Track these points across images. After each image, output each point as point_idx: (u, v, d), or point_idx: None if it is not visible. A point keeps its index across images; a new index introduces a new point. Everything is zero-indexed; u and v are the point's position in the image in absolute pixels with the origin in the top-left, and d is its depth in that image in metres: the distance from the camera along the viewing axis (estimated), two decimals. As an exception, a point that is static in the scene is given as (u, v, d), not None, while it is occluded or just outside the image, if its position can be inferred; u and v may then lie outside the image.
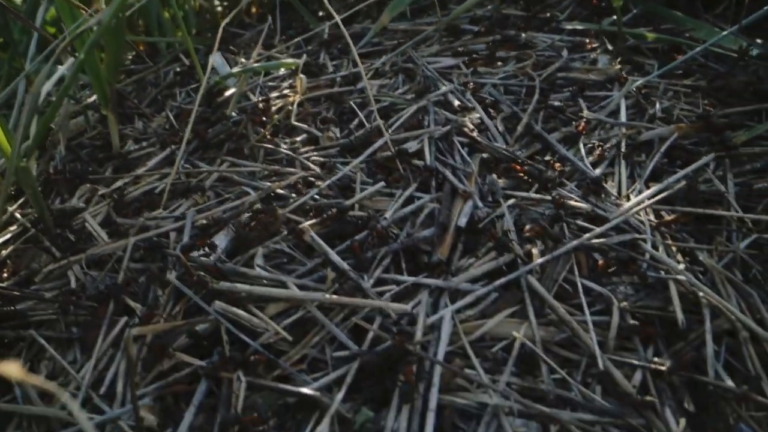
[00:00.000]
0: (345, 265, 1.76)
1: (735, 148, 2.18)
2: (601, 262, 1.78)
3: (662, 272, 1.78)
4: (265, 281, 1.77)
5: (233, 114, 2.57)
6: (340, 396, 1.50)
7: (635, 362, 1.61)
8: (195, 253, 1.87)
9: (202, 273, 1.78)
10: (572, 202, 1.96)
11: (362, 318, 1.67)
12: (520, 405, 1.49)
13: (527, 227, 1.83)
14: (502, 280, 1.73)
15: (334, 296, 1.66)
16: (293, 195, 2.10)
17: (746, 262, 1.86)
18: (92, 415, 1.57)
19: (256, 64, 2.65)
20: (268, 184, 2.16)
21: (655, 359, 1.62)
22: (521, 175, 2.08)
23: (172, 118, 2.68)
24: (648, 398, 1.53)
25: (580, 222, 1.92)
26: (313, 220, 1.94)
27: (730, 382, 1.60)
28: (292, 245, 1.90)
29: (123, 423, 1.52)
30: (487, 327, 1.66)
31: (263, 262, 1.84)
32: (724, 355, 1.68)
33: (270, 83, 2.85)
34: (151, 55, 3.38)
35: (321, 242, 1.85)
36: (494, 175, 2.04)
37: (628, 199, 2.00)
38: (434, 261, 1.79)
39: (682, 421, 1.50)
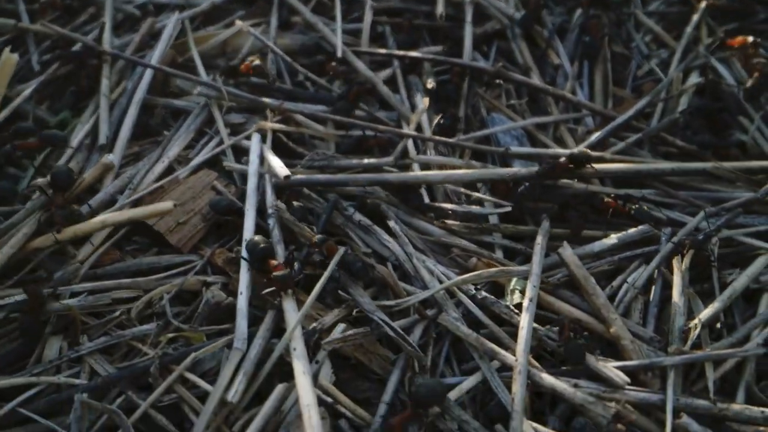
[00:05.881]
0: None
1: None
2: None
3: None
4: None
5: None
6: (27, 93, 1.33)
7: (383, 51, 1.47)
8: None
9: None
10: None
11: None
12: (233, 100, 1.33)
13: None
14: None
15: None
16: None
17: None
18: None
19: None
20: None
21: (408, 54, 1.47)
22: None
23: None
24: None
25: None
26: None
27: (482, 64, 1.45)
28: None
29: None
30: (224, 36, 1.49)
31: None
32: (495, 56, 1.52)
33: None
34: None
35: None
36: None
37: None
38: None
39: (426, 100, 1.35)
